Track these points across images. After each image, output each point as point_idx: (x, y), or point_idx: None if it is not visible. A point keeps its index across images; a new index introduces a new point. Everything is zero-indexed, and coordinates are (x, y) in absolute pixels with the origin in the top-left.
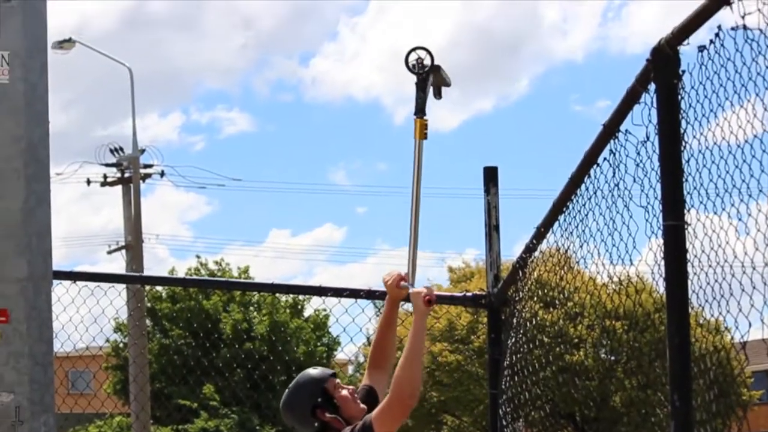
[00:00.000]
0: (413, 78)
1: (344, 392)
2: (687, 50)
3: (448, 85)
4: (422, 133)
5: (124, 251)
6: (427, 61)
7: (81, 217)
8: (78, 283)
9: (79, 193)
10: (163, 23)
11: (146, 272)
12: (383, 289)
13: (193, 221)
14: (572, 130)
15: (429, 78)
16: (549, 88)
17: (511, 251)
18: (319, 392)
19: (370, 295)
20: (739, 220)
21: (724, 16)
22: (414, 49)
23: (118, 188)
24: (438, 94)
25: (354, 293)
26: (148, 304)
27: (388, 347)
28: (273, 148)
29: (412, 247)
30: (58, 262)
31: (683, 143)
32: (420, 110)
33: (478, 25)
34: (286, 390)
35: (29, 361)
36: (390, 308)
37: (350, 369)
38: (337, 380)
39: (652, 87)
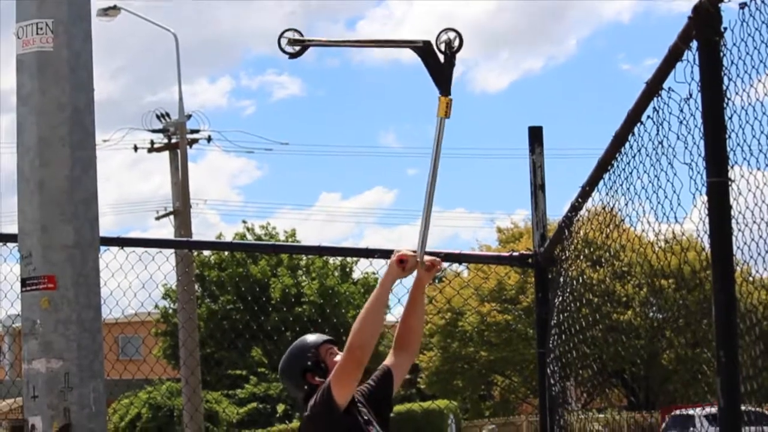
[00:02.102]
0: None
1: (337, 358)
2: (728, 7)
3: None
4: (446, 111)
5: (172, 217)
6: (456, 43)
7: (131, 183)
8: (126, 249)
9: (129, 160)
10: None
11: (196, 238)
12: (431, 250)
13: (243, 186)
14: (620, 89)
15: (455, 59)
16: (596, 49)
17: (559, 210)
18: (311, 356)
19: None
20: None
21: None
22: (446, 30)
23: (166, 154)
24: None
25: None
26: (197, 271)
27: (413, 328)
28: (323, 112)
29: (424, 220)
30: (108, 229)
31: (726, 100)
32: (445, 88)
33: None
34: (284, 355)
35: (77, 328)
36: (414, 289)
37: None
38: (333, 347)
39: (694, 44)
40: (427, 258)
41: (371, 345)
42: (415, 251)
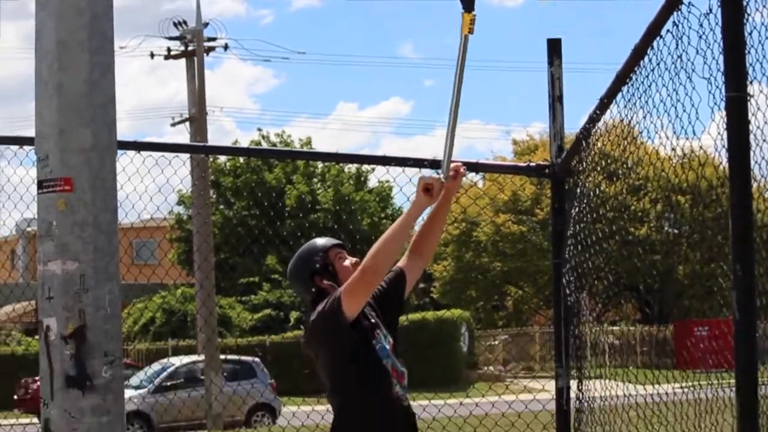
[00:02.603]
0: None
1: (346, 262)
2: None
3: None
4: (469, 27)
5: (188, 124)
6: None
7: (147, 90)
8: (142, 153)
9: (146, 67)
10: None
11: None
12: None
13: (260, 94)
14: (639, 2)
15: None
16: None
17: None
18: (319, 259)
19: (434, 164)
20: None
21: None
22: None
23: (183, 62)
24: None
25: (418, 162)
26: (212, 177)
27: (433, 234)
28: (341, 22)
29: (449, 136)
30: (125, 134)
31: (746, 15)
32: (468, 4)
33: None
34: (293, 258)
35: (94, 230)
36: (443, 197)
37: None
38: (342, 251)
39: None
40: (449, 171)
41: (385, 270)
42: (438, 174)
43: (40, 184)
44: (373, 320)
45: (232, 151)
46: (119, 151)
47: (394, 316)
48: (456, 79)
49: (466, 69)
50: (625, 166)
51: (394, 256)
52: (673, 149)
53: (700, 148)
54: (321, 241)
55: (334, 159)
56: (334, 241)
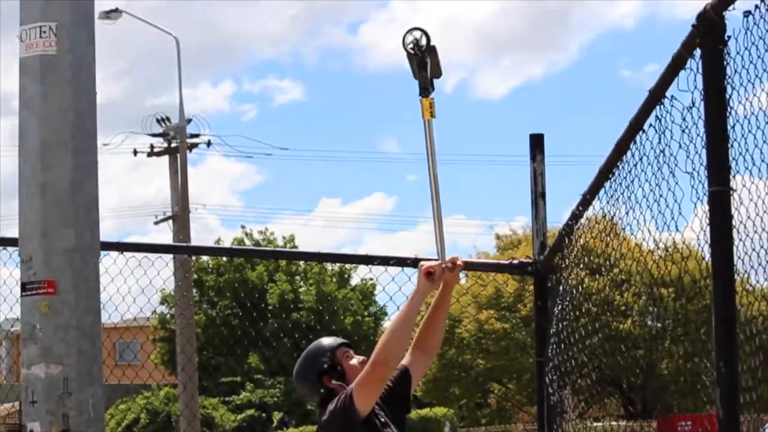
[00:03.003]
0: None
1: (353, 361)
2: (733, 15)
3: (437, 76)
4: (429, 111)
5: (171, 221)
6: (423, 42)
7: (131, 187)
8: (125, 253)
9: (129, 164)
10: None
11: (196, 242)
12: (430, 257)
13: (243, 191)
14: (621, 96)
15: (426, 58)
16: (598, 55)
17: (559, 218)
18: (327, 359)
19: (416, 263)
20: None
21: None
22: (410, 31)
23: (166, 158)
24: (430, 86)
25: (400, 261)
26: (195, 276)
27: (436, 330)
28: (324, 117)
29: (436, 223)
30: (108, 233)
31: (728, 109)
32: (423, 89)
33: None
34: (299, 359)
35: (77, 333)
36: (442, 291)
37: None
38: (349, 350)
39: (697, 53)
40: (446, 263)
41: (397, 361)
42: (437, 260)
43: (24, 287)
44: (382, 419)
45: (215, 252)
46: (102, 252)
47: (402, 414)
48: (430, 165)
49: (444, 161)
50: (608, 261)
51: (403, 348)
52: (656, 243)
53: (683, 241)
54: (327, 340)
55: (317, 259)
56: (341, 340)
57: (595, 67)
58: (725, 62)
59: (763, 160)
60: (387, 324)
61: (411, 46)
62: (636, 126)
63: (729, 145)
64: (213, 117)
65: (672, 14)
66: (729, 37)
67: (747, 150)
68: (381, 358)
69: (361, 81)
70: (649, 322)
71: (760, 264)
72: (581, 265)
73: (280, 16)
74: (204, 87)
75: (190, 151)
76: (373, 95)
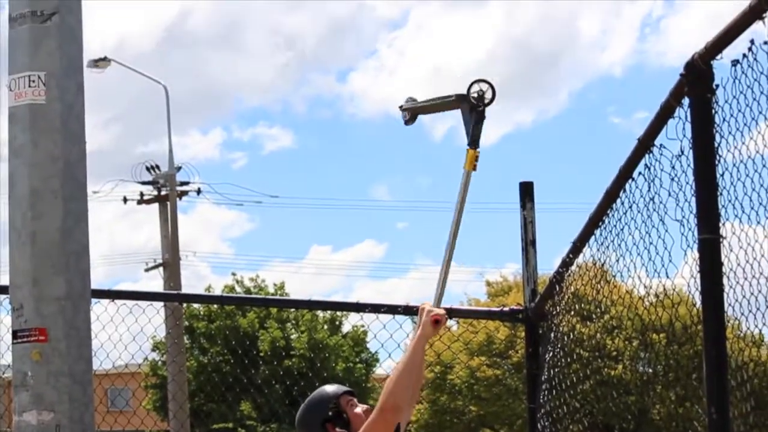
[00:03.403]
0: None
1: (357, 409)
2: (721, 64)
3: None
4: (472, 164)
5: (161, 269)
6: (488, 95)
7: (122, 234)
8: (116, 301)
9: (120, 211)
10: (203, 41)
11: (187, 289)
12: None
13: (234, 238)
14: (610, 143)
15: (485, 112)
16: (587, 102)
17: (550, 265)
18: (332, 407)
19: (408, 310)
20: None
21: (757, 30)
22: (478, 81)
23: (156, 206)
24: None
25: (392, 309)
26: (186, 323)
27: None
28: (314, 165)
29: (443, 271)
30: (99, 280)
31: (717, 157)
32: (474, 142)
33: (516, 39)
34: (302, 406)
35: (68, 380)
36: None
37: None
38: (353, 398)
39: (686, 101)
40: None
41: (404, 407)
42: (439, 307)
43: (15, 334)
44: None
45: (206, 299)
46: (93, 300)
47: None
48: (456, 214)
49: (434, 209)
50: (599, 308)
51: (410, 392)
52: (647, 290)
53: (673, 288)
54: (331, 388)
55: (308, 306)
56: (345, 388)
57: (584, 114)
58: (714, 111)
59: (752, 208)
60: (385, 369)
61: (475, 95)
62: (625, 174)
63: (718, 193)
64: (203, 164)
65: (661, 62)
66: (717, 85)
67: (736, 197)
68: (389, 404)
69: (350, 129)
70: (641, 368)
71: (750, 311)
72: (572, 312)
73: (270, 64)
74: (194, 135)
75: (180, 198)
76: (363, 143)
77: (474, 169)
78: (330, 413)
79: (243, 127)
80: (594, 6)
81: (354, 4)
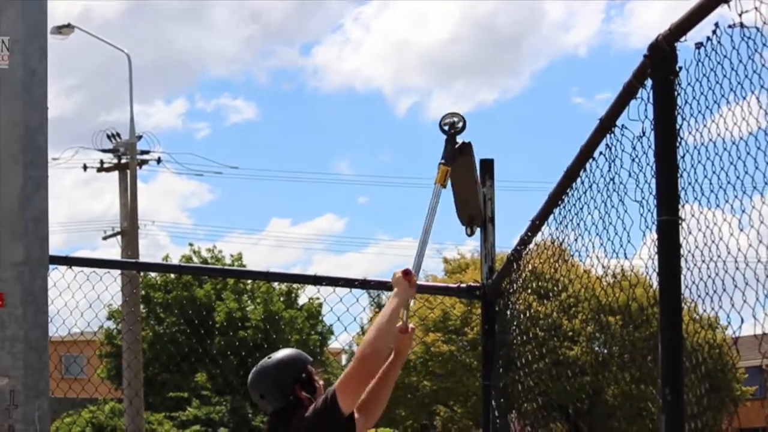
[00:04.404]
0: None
1: (321, 382)
2: (685, 46)
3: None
4: (443, 179)
5: (119, 237)
6: (459, 125)
7: (82, 202)
8: (74, 268)
9: (81, 178)
10: (169, 12)
11: (145, 258)
12: (378, 279)
13: (194, 208)
14: (572, 123)
15: (456, 138)
16: (550, 83)
17: (508, 243)
18: (304, 369)
19: (364, 284)
20: (733, 216)
21: (722, 13)
22: (448, 115)
23: (116, 174)
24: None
25: (349, 283)
26: (143, 292)
27: (380, 397)
28: (277, 137)
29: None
30: (57, 248)
31: (679, 139)
32: (447, 159)
33: (481, 19)
34: (265, 359)
35: (24, 346)
36: (393, 358)
37: (344, 358)
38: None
39: (648, 83)
40: (400, 326)
41: (384, 357)
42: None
43: None
44: None
45: (163, 268)
46: (51, 266)
47: None
48: (426, 223)
49: (394, 184)
50: (556, 287)
51: (388, 344)
52: (605, 271)
53: (631, 269)
54: (298, 353)
55: (266, 278)
56: (310, 357)
57: (547, 93)
58: (676, 93)
59: (712, 191)
60: (340, 343)
61: (447, 126)
62: (586, 153)
63: (678, 175)
64: (166, 134)
65: (626, 43)
66: (680, 68)
67: (696, 180)
68: (369, 351)
69: (313, 102)
70: (596, 349)
71: (707, 293)
72: (529, 290)
73: (235, 36)
74: (157, 104)
75: (140, 167)
76: (326, 117)
77: (443, 185)
78: (303, 375)
79: (207, 98)
80: None
81: None
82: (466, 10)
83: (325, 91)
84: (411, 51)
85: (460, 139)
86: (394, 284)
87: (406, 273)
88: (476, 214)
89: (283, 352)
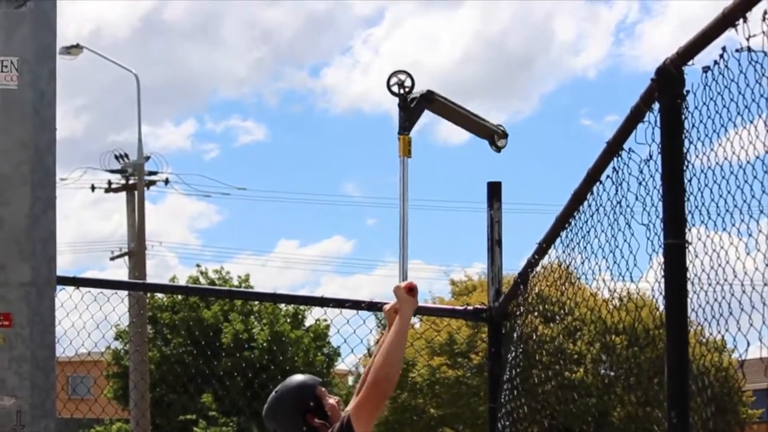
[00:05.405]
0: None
1: (332, 401)
2: (692, 70)
3: (454, 120)
4: (406, 149)
5: (127, 258)
6: (408, 83)
7: (90, 222)
8: (81, 288)
9: (90, 198)
10: (180, 32)
11: (153, 279)
12: (384, 301)
13: (202, 229)
14: (581, 145)
15: (408, 98)
16: (560, 105)
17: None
18: (311, 397)
19: (371, 306)
20: (740, 239)
21: (730, 37)
22: (395, 73)
23: (124, 195)
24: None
25: (356, 305)
26: (150, 313)
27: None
28: (286, 159)
29: (402, 259)
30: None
31: (686, 163)
32: (402, 128)
33: (491, 41)
34: (274, 393)
35: (31, 366)
36: (400, 318)
37: (350, 380)
38: (324, 388)
39: (656, 106)
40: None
41: (396, 378)
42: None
43: None
44: None
45: (170, 289)
46: (58, 287)
47: None
48: (401, 201)
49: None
50: (562, 310)
51: (401, 364)
52: (611, 294)
53: (637, 291)
54: (306, 377)
55: (272, 299)
56: (318, 379)
57: (556, 116)
58: (683, 116)
59: (718, 214)
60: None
61: (396, 86)
62: (593, 177)
63: (685, 199)
64: (175, 155)
65: (635, 66)
66: (688, 91)
67: (703, 203)
68: (382, 374)
69: (322, 124)
70: (602, 371)
71: (713, 316)
72: (536, 313)
73: (246, 58)
74: (167, 125)
75: (148, 188)
76: (335, 138)
77: (408, 154)
78: (312, 403)
79: (216, 119)
80: (570, 9)
81: (332, 2)
82: (477, 31)
83: (334, 113)
84: (420, 73)
85: (416, 93)
86: (399, 300)
87: (411, 288)
88: (491, 132)
89: (287, 385)
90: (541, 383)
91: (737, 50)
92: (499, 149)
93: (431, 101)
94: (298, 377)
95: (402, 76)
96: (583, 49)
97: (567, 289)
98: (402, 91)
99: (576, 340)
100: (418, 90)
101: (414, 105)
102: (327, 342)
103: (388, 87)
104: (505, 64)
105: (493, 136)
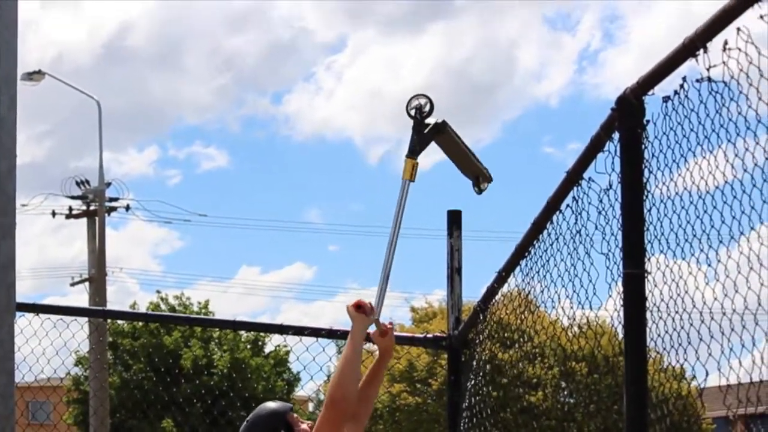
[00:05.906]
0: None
1: (304, 426)
2: (653, 99)
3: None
4: (411, 173)
5: (87, 284)
6: (427, 108)
7: (51, 248)
8: (41, 315)
9: (52, 224)
10: (142, 59)
11: (114, 305)
12: (345, 328)
13: (163, 255)
14: (543, 173)
15: (424, 123)
16: (522, 132)
17: (476, 292)
18: (282, 425)
19: (331, 334)
20: (699, 269)
21: (691, 66)
22: (415, 97)
23: (84, 221)
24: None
25: (315, 332)
26: (110, 339)
27: (369, 398)
28: (248, 185)
29: (383, 282)
30: (26, 293)
31: (645, 192)
32: (412, 151)
33: (454, 67)
34: (245, 423)
35: None
36: (377, 361)
37: (311, 406)
38: (295, 414)
39: (616, 135)
40: (377, 330)
41: (354, 396)
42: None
43: None
44: None
45: (130, 316)
46: (18, 313)
47: None
48: (394, 223)
49: (364, 233)
50: (521, 338)
51: (356, 383)
52: (570, 321)
53: (597, 319)
54: (277, 405)
55: (232, 327)
56: (288, 405)
57: (518, 143)
58: (643, 146)
59: (677, 244)
60: (306, 392)
61: (414, 110)
62: (553, 205)
63: (645, 228)
64: (137, 181)
65: (598, 93)
66: (648, 121)
67: (662, 233)
68: (338, 394)
69: (285, 151)
70: (562, 398)
71: (672, 346)
72: (495, 340)
73: (208, 85)
74: (129, 151)
75: (109, 214)
76: (297, 165)
77: (412, 179)
78: (283, 431)
79: (179, 146)
80: (533, 37)
81: (294, 29)
82: (440, 59)
83: (296, 140)
84: (383, 99)
85: (432, 120)
86: (350, 318)
87: (359, 306)
88: (478, 173)
89: (259, 412)
90: (500, 409)
91: (698, 80)
92: (480, 191)
93: (442, 132)
94: (269, 404)
95: (422, 101)
96: (546, 77)
97: (527, 317)
98: (419, 115)
99: (535, 365)
100: (435, 117)
101: (426, 132)
102: (287, 368)
103: (407, 111)
104: (468, 91)
105: (479, 177)
